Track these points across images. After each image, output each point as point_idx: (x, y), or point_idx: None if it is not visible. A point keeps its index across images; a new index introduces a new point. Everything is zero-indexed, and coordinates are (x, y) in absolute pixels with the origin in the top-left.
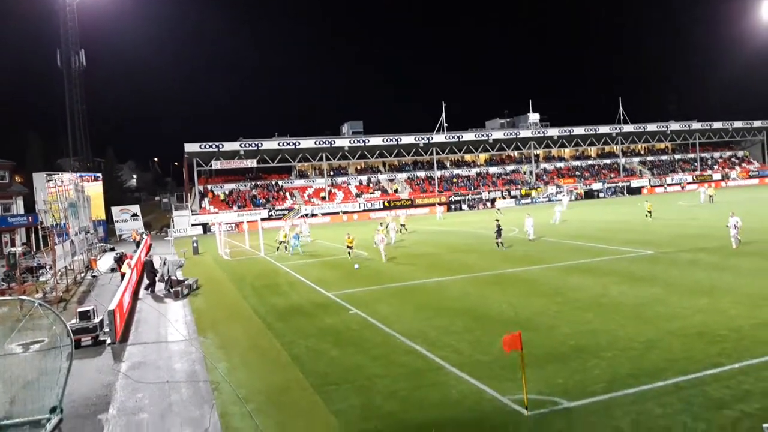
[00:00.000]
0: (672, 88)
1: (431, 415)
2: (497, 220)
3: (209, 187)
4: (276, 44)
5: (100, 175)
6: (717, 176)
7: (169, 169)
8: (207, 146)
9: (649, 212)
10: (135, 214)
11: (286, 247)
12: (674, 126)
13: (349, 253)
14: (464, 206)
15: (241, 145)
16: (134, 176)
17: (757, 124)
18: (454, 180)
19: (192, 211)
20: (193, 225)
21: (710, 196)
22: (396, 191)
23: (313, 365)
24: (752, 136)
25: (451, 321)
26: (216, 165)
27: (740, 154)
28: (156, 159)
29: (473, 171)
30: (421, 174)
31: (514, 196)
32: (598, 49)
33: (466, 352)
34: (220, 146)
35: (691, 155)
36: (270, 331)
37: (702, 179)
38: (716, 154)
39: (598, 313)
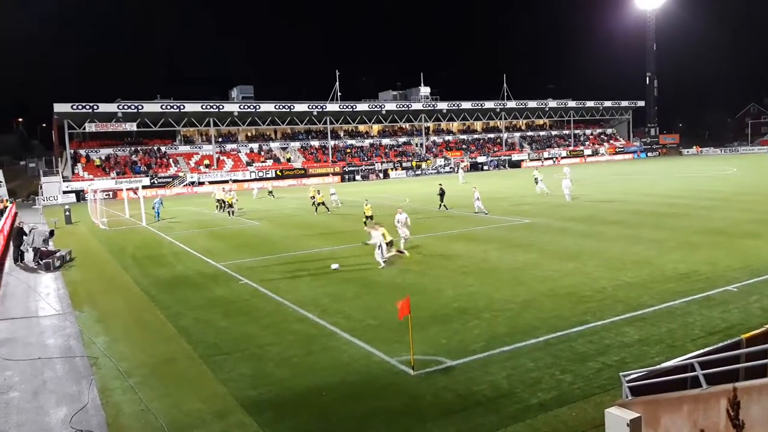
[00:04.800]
0: (552, 67)
1: (322, 379)
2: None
3: (83, 151)
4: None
5: None
6: (588, 151)
7: (36, 131)
8: (80, 107)
9: (368, 216)
10: None
11: (232, 212)
12: (552, 104)
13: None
14: (358, 177)
15: (119, 107)
16: None
17: (624, 104)
18: (348, 150)
19: (64, 177)
20: (65, 192)
21: (536, 178)
22: (289, 160)
23: (201, 336)
24: (620, 115)
25: (342, 288)
26: (90, 128)
27: (609, 131)
28: (20, 119)
29: (367, 142)
30: (315, 143)
31: (406, 168)
32: (485, 27)
33: (357, 317)
34: (95, 107)
35: (566, 131)
36: (154, 303)
37: (575, 154)
38: (588, 131)
39: (479, 277)
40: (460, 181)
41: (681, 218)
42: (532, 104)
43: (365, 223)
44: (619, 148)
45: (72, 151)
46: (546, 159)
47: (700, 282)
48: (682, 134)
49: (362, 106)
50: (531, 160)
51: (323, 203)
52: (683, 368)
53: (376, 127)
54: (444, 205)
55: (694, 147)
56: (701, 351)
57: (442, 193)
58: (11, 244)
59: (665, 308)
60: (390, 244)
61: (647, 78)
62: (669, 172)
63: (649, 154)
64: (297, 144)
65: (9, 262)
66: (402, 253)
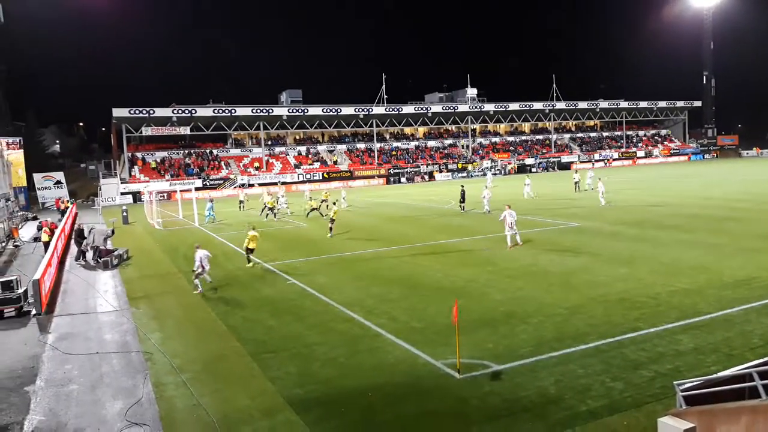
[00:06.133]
0: (602, 67)
1: (368, 380)
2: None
3: (139, 154)
4: (212, 7)
5: (20, 139)
6: (641, 153)
7: (95, 135)
8: (137, 111)
9: (314, 209)
10: (59, 182)
11: (275, 214)
12: (603, 104)
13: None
14: (403, 179)
15: (173, 112)
16: (57, 142)
17: (680, 104)
18: (394, 153)
19: (121, 179)
20: (122, 194)
21: (576, 183)
22: (335, 163)
23: (249, 334)
24: (675, 116)
25: (387, 290)
26: (147, 132)
27: (663, 132)
28: (81, 124)
29: (412, 144)
30: (361, 146)
31: (451, 170)
32: (534, 27)
33: (402, 319)
34: (151, 112)
35: (618, 133)
36: (205, 301)
37: (627, 155)
38: (641, 132)
39: (527, 281)
40: (488, 185)
41: (741, 223)
42: (582, 105)
43: (308, 213)
44: (674, 149)
45: (129, 154)
46: (597, 160)
47: (760, 289)
48: (742, 135)
49: (408, 109)
50: (581, 161)
51: (316, 209)
52: (741, 378)
53: (421, 130)
54: (462, 206)
55: (754, 148)
56: (760, 360)
57: (462, 195)
58: (72, 243)
59: (722, 316)
60: (251, 251)
61: (704, 77)
62: (727, 175)
63: (706, 155)
64: (343, 146)
65: (70, 260)
66: (255, 264)
